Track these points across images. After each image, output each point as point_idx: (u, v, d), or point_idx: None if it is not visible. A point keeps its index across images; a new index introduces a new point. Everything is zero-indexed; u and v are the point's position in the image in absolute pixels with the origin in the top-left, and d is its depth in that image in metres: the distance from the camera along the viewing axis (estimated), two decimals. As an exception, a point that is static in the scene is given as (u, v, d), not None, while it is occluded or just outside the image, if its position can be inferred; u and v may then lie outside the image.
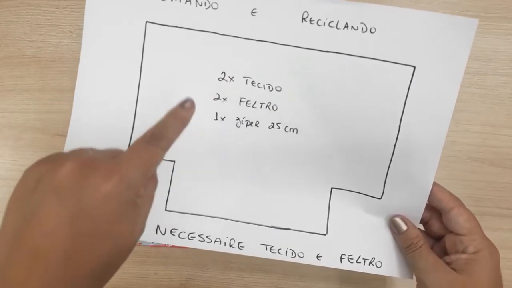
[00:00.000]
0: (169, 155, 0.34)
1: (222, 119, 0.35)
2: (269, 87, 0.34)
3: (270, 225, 0.36)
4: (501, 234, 0.44)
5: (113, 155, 0.26)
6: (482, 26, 0.44)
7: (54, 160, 0.24)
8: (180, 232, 0.36)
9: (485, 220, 0.44)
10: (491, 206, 0.44)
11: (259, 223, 0.36)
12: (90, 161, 0.24)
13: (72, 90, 0.43)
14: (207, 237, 0.36)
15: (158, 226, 0.35)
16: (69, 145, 0.35)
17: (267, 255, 0.36)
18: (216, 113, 0.35)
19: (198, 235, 0.36)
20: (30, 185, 0.24)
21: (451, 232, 0.33)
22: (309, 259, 0.36)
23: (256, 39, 0.33)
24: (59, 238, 0.22)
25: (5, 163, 0.44)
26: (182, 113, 0.27)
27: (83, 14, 0.44)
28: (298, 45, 0.33)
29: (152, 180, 0.27)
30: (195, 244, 0.36)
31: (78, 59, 0.44)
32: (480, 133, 0.44)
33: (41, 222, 0.22)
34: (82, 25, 0.44)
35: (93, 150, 0.27)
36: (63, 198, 0.23)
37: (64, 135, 0.43)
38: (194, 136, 0.35)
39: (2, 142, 0.44)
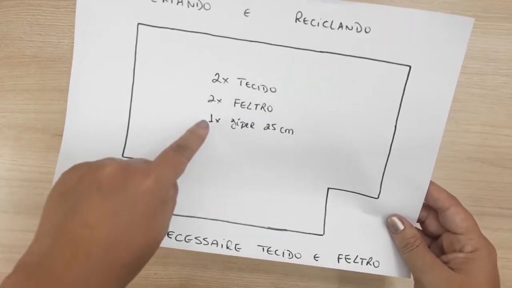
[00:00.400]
0: None
1: (217, 121, 0.35)
2: (263, 88, 0.34)
3: (266, 226, 0.36)
4: (501, 234, 0.44)
5: (145, 161, 0.29)
6: (482, 26, 0.44)
7: (95, 163, 0.27)
8: (177, 235, 0.36)
9: (485, 220, 0.44)
10: (491, 206, 0.44)
11: (255, 225, 0.36)
12: (129, 163, 0.27)
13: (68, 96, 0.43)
14: (204, 239, 0.36)
15: None
16: (66, 146, 0.35)
17: (264, 256, 0.36)
18: (211, 115, 0.35)
19: (195, 238, 0.36)
20: (70, 183, 0.26)
21: (448, 231, 0.33)
22: (306, 260, 0.36)
23: (250, 39, 0.33)
24: (100, 229, 0.24)
25: (5, 163, 0.44)
26: (198, 131, 0.33)
27: (83, 14, 0.44)
28: (292, 46, 0.33)
29: (175, 186, 0.30)
30: (192, 246, 0.36)
31: (78, 59, 0.44)
32: (480, 133, 0.44)
33: (83, 215, 0.25)
34: (82, 25, 0.44)
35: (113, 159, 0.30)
36: (106, 194, 0.25)
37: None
38: None
39: (2, 142, 0.44)
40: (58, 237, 0.24)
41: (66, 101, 0.44)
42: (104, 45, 0.34)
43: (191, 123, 0.34)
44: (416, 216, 0.35)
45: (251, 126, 0.35)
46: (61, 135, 0.44)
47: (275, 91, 0.34)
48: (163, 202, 0.27)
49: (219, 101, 0.34)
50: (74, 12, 0.44)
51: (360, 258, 0.36)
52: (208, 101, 0.34)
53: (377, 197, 0.35)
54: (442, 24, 0.32)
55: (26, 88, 0.44)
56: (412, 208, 0.34)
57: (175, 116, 0.34)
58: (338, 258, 0.36)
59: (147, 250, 0.27)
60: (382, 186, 0.35)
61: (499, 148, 0.44)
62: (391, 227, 0.35)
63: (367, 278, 0.44)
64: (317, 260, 0.36)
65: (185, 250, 0.43)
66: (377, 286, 0.44)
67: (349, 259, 0.36)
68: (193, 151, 0.31)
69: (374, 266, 0.36)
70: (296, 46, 0.33)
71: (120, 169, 0.26)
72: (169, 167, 0.29)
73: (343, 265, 0.36)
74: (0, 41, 0.44)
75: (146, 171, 0.27)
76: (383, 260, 0.36)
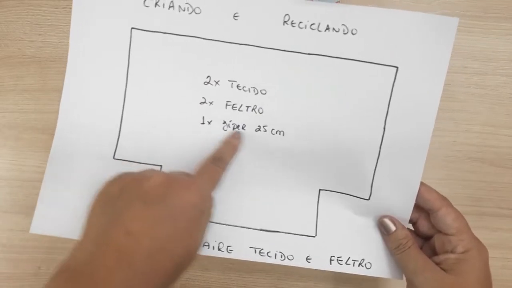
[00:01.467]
0: (156, 159, 0.35)
1: (209, 123, 0.35)
2: (254, 90, 0.34)
3: (259, 228, 0.36)
4: (501, 234, 0.44)
5: (186, 174, 0.31)
6: (482, 26, 0.44)
7: (139, 174, 0.29)
8: None
9: (485, 220, 0.44)
10: (491, 206, 0.44)
11: (247, 226, 0.36)
12: (172, 175, 0.28)
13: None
14: None
15: None
16: (57, 147, 0.35)
17: (256, 258, 0.36)
18: (203, 117, 0.35)
19: None
20: (114, 192, 0.28)
21: (439, 232, 0.33)
22: (299, 262, 0.36)
23: (239, 42, 0.33)
24: (143, 238, 0.25)
25: (5, 163, 0.44)
26: (232, 142, 0.34)
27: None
28: (281, 48, 0.33)
29: (212, 198, 0.31)
30: None
31: (78, 59, 0.44)
32: (480, 133, 0.44)
33: (127, 224, 0.25)
34: (82, 25, 0.44)
35: (156, 171, 0.30)
36: (149, 204, 0.26)
37: (64, 135, 0.43)
38: (181, 140, 0.35)
39: (2, 142, 0.44)
40: (102, 244, 0.25)
41: (66, 101, 0.44)
42: (98, 49, 0.34)
43: (183, 125, 0.35)
44: (408, 217, 0.35)
45: (242, 127, 0.35)
46: (61, 135, 0.44)
47: (265, 93, 0.34)
48: (203, 213, 0.28)
49: (210, 103, 0.35)
50: (74, 12, 0.44)
51: (352, 260, 0.36)
52: (200, 103, 0.35)
53: (368, 198, 0.35)
54: (428, 25, 0.32)
55: (26, 88, 0.44)
56: (403, 209, 0.34)
57: (167, 118, 0.35)
58: (330, 260, 0.36)
59: (187, 259, 0.27)
60: (373, 187, 0.35)
61: (499, 148, 0.44)
62: (382, 228, 0.35)
63: (367, 277, 0.43)
64: (309, 262, 0.36)
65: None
66: (377, 286, 0.44)
67: (341, 260, 0.36)
68: (228, 162, 0.33)
69: (366, 268, 0.36)
70: (284, 49, 0.33)
71: (164, 181, 0.27)
72: (208, 179, 0.31)
73: (335, 267, 0.36)
74: (0, 41, 0.44)
75: (188, 183, 0.28)
76: (375, 261, 0.36)
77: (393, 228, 0.34)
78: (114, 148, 0.35)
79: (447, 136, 0.44)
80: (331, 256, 0.36)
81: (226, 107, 0.35)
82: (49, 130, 0.44)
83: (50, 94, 0.44)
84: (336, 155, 0.35)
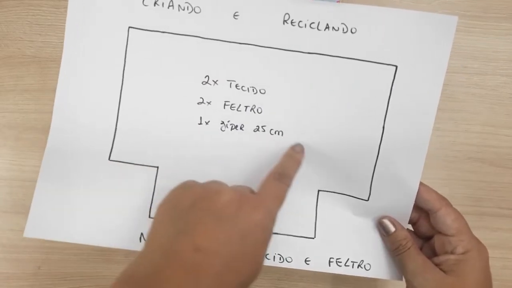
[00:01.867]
0: (152, 161, 0.35)
1: (207, 123, 0.35)
2: (253, 89, 0.34)
3: None
4: (501, 234, 0.44)
5: (252, 190, 0.31)
6: (482, 26, 0.44)
7: (210, 187, 0.29)
8: None
9: (485, 220, 0.44)
10: (491, 206, 0.44)
11: None
12: (242, 194, 0.28)
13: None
14: None
15: (142, 234, 0.35)
16: (52, 145, 0.34)
17: None
18: (200, 117, 0.34)
19: None
20: (186, 204, 0.27)
21: (439, 232, 0.33)
22: (297, 264, 0.35)
23: (239, 42, 0.33)
24: (213, 255, 0.25)
25: (5, 163, 0.44)
26: (295, 156, 0.33)
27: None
28: (280, 47, 0.33)
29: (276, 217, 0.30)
30: None
31: (78, 59, 0.44)
32: (480, 133, 0.44)
33: (197, 239, 0.25)
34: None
35: (230, 185, 0.30)
36: (222, 221, 0.26)
37: (64, 135, 0.43)
38: (179, 141, 0.35)
39: (2, 142, 0.44)
40: (169, 257, 0.25)
41: (66, 101, 0.44)
42: (94, 47, 0.34)
43: (180, 126, 0.34)
44: (407, 218, 0.34)
45: (241, 128, 0.35)
46: (61, 135, 0.44)
47: (264, 93, 0.34)
48: (270, 233, 0.28)
49: (208, 103, 0.34)
50: (74, 12, 0.44)
51: (351, 261, 0.36)
52: (198, 103, 0.34)
53: (367, 199, 0.35)
54: (427, 24, 0.32)
55: (26, 88, 0.44)
56: (403, 209, 0.34)
57: (164, 118, 0.34)
58: (329, 262, 0.36)
59: (252, 278, 0.27)
60: (372, 188, 0.35)
61: (499, 148, 0.44)
62: (382, 229, 0.35)
63: (367, 278, 0.43)
64: (308, 264, 0.36)
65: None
66: (377, 286, 0.44)
67: (340, 262, 0.36)
68: (291, 176, 0.32)
69: (365, 269, 0.36)
70: (284, 48, 0.33)
71: (234, 198, 0.27)
72: (275, 198, 0.30)
73: (334, 269, 0.36)
74: (0, 41, 0.44)
75: (258, 203, 0.28)
76: (374, 263, 0.35)
77: (392, 229, 0.34)
78: (110, 149, 0.34)
79: (447, 136, 0.44)
80: (330, 258, 0.36)
81: (224, 107, 0.34)
82: (49, 130, 0.44)
83: (50, 94, 0.44)
84: (335, 155, 0.35)
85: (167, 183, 0.34)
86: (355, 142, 0.34)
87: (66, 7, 0.44)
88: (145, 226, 0.35)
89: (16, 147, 0.44)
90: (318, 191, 0.36)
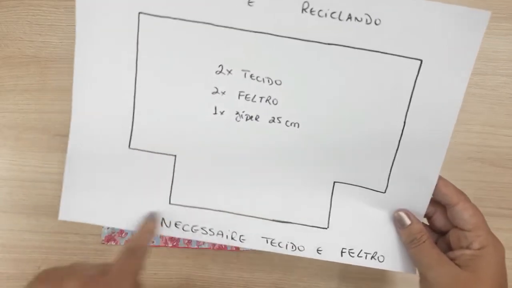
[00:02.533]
0: (170, 149, 0.35)
1: (221, 113, 0.34)
2: (268, 80, 0.33)
3: (271, 219, 0.36)
4: (502, 234, 0.44)
5: (104, 270, 0.30)
6: (482, 26, 0.44)
7: (55, 280, 0.28)
8: (184, 225, 0.36)
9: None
10: (492, 206, 0.44)
11: (260, 217, 0.36)
12: (91, 279, 0.28)
13: (72, 90, 0.43)
14: (209, 230, 0.36)
15: (163, 219, 0.36)
16: (73, 142, 0.35)
17: (268, 248, 0.36)
18: (215, 107, 0.34)
19: (201, 228, 0.36)
20: None
21: (455, 227, 0.33)
22: (309, 253, 0.36)
23: (254, 30, 0.32)
24: None
25: (5, 163, 0.44)
26: (147, 225, 0.34)
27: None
28: (298, 37, 0.32)
29: (138, 286, 0.31)
30: (198, 236, 0.36)
31: (78, 59, 0.44)
32: (480, 133, 0.44)
33: None
34: (82, 25, 0.44)
35: (82, 265, 0.31)
36: None
37: (64, 135, 0.43)
38: (194, 131, 0.34)
39: (2, 142, 0.44)
40: None
41: (66, 101, 0.44)
42: (106, 35, 0.33)
43: (196, 115, 0.34)
44: (424, 212, 0.34)
45: (256, 119, 0.34)
46: (61, 135, 0.44)
47: (280, 84, 0.33)
48: None
49: (223, 93, 0.34)
50: (74, 12, 0.44)
51: (364, 253, 0.36)
52: (212, 93, 0.34)
53: (384, 191, 0.35)
54: (456, 17, 0.30)
55: (26, 88, 0.44)
56: (419, 203, 0.34)
57: (180, 108, 0.34)
58: (342, 252, 0.36)
59: None
60: (389, 181, 0.34)
61: (499, 148, 0.44)
62: (397, 222, 0.34)
63: (368, 278, 0.44)
64: (320, 253, 0.36)
65: (185, 250, 0.43)
66: (377, 286, 0.44)
67: (353, 253, 0.36)
68: (145, 249, 0.33)
69: (379, 261, 0.35)
70: (302, 38, 0.32)
71: (82, 285, 0.27)
72: (128, 275, 0.30)
73: (346, 259, 0.35)
74: (0, 41, 0.44)
75: (108, 285, 0.28)
76: (388, 255, 0.35)
77: (408, 221, 0.34)
78: (129, 137, 0.35)
79: (447, 136, 0.44)
80: (343, 248, 0.36)
81: (239, 98, 0.34)
82: (49, 130, 0.44)
83: (50, 94, 0.44)
84: (353, 148, 0.34)
85: (185, 171, 0.35)
86: (374, 135, 0.34)
87: (66, 7, 0.44)
88: (165, 212, 0.36)
89: (16, 147, 0.44)
90: (334, 182, 0.36)
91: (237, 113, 0.34)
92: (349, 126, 0.34)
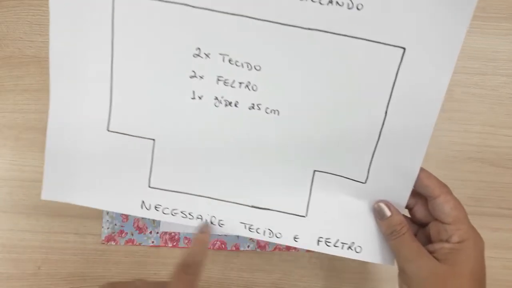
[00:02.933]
0: (148, 133, 0.34)
1: (200, 98, 0.33)
2: (247, 65, 0.32)
3: (250, 205, 0.36)
4: (501, 234, 0.44)
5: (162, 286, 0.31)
6: (482, 26, 0.44)
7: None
8: (164, 208, 0.36)
9: (485, 220, 0.44)
10: (491, 206, 0.44)
11: (240, 202, 0.36)
12: None
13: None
14: (189, 213, 0.36)
15: (143, 201, 0.36)
16: (52, 124, 0.34)
17: (246, 233, 0.36)
18: (193, 92, 0.33)
19: (181, 212, 0.36)
20: None
21: (436, 219, 0.32)
22: (286, 240, 0.35)
23: (231, 12, 0.31)
24: None
25: (5, 163, 0.44)
26: (202, 237, 0.34)
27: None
28: (278, 21, 0.31)
29: None
30: (178, 219, 0.36)
31: (78, 59, 0.44)
32: (480, 133, 0.44)
33: None
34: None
35: (143, 281, 0.31)
36: None
37: (64, 135, 0.43)
38: (173, 115, 0.34)
39: (2, 142, 0.44)
40: None
41: (66, 101, 0.44)
42: (81, 17, 0.32)
43: (174, 99, 0.34)
44: (404, 203, 0.34)
45: (235, 105, 0.33)
46: (61, 135, 0.44)
47: (259, 69, 0.33)
48: None
49: (201, 77, 0.33)
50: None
51: (341, 243, 0.35)
52: (190, 77, 0.33)
53: (364, 181, 0.34)
54: (442, 5, 0.30)
55: (26, 88, 0.44)
56: (400, 194, 0.33)
57: (158, 91, 0.33)
58: (318, 241, 0.35)
59: None
60: (370, 171, 0.34)
61: (499, 148, 0.44)
62: (377, 213, 0.34)
63: (368, 278, 0.44)
64: (296, 241, 0.35)
65: (185, 250, 0.43)
66: (376, 286, 0.44)
67: (329, 242, 0.35)
68: (201, 264, 0.32)
69: (356, 252, 0.35)
70: (282, 22, 0.31)
71: None
72: None
73: (322, 248, 0.35)
74: (0, 41, 0.44)
75: None
76: (366, 246, 0.35)
77: (388, 213, 0.33)
78: (107, 120, 0.34)
79: (447, 136, 0.44)
80: (319, 237, 0.35)
81: (217, 82, 0.33)
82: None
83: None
84: (334, 136, 0.34)
85: (164, 155, 0.35)
86: (356, 124, 0.33)
87: (66, 7, 0.44)
88: (145, 195, 0.36)
89: (16, 147, 0.44)
90: (314, 171, 0.35)
91: (216, 98, 0.33)
92: (329, 115, 0.33)
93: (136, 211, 0.36)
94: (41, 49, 0.44)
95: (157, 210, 0.36)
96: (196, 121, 0.34)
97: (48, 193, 0.36)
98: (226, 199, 0.36)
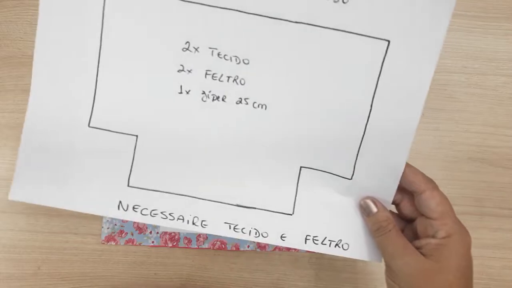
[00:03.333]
0: (132, 129, 0.34)
1: (187, 93, 0.33)
2: (236, 59, 0.32)
3: (235, 204, 0.35)
4: (501, 234, 0.44)
5: None
6: (482, 26, 0.44)
7: None
8: (143, 209, 0.35)
9: (485, 220, 0.44)
10: (492, 206, 0.44)
11: (223, 201, 0.35)
12: None
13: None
14: (169, 214, 0.35)
15: (120, 202, 0.35)
16: (31, 118, 0.34)
17: (230, 234, 0.35)
18: (181, 86, 0.33)
19: (161, 212, 0.35)
20: None
21: (422, 215, 0.32)
22: (272, 239, 0.35)
23: (221, 6, 0.31)
24: None
25: (5, 163, 0.44)
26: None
27: (83, 14, 0.44)
28: (265, 15, 0.31)
29: None
30: (158, 221, 0.35)
31: (78, 59, 0.44)
32: (480, 133, 0.44)
33: None
34: (82, 25, 0.44)
35: None
36: None
37: (64, 135, 0.43)
38: (158, 110, 0.33)
39: (2, 142, 0.44)
40: None
41: (66, 101, 0.44)
42: (70, 8, 0.32)
43: (160, 94, 0.33)
44: (391, 199, 0.33)
45: (222, 99, 0.33)
46: (61, 135, 0.44)
47: (248, 63, 0.33)
48: None
49: (189, 71, 0.33)
50: (74, 12, 0.44)
51: (328, 240, 0.35)
52: (178, 71, 0.33)
53: (350, 178, 0.34)
54: None
55: (26, 88, 0.44)
56: (386, 190, 0.33)
57: (144, 86, 0.33)
58: (306, 239, 0.35)
59: None
60: (355, 167, 0.34)
61: (499, 148, 0.44)
62: (363, 210, 0.34)
63: (367, 278, 0.44)
64: (283, 240, 0.35)
65: (185, 250, 0.43)
66: (376, 286, 0.44)
67: (317, 240, 0.35)
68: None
69: (343, 249, 0.35)
70: (269, 15, 0.31)
71: None
72: None
73: (309, 246, 0.35)
74: (0, 41, 0.44)
75: None
76: (353, 243, 0.35)
77: (374, 209, 0.33)
78: (89, 115, 0.34)
79: (447, 136, 0.44)
80: (307, 235, 0.35)
81: (205, 76, 0.33)
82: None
83: (50, 94, 0.44)
84: (320, 132, 0.33)
85: (146, 153, 0.34)
86: (341, 119, 0.33)
87: (66, 7, 0.44)
88: (123, 194, 0.34)
89: (16, 147, 0.44)
90: (301, 167, 0.35)
91: (203, 92, 0.33)
92: (314, 110, 0.33)
93: (112, 212, 0.35)
94: (41, 49, 0.44)
95: (135, 211, 0.35)
96: (182, 116, 0.34)
97: (17, 193, 0.35)
98: (210, 198, 0.35)
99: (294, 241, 0.35)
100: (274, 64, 0.33)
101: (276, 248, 0.43)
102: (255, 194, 0.35)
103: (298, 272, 0.44)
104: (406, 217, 0.34)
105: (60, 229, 0.43)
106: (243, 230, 0.35)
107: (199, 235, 0.43)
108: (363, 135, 0.33)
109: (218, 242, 0.43)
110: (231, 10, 0.32)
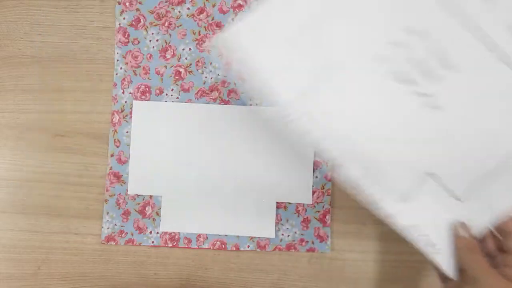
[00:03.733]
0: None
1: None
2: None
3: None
4: (501, 234, 0.44)
5: None
6: (482, 26, 0.44)
7: None
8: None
9: (485, 220, 0.44)
10: (491, 206, 0.44)
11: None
12: None
13: (72, 90, 0.44)
14: None
15: None
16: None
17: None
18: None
19: None
20: None
21: (505, 252, 0.33)
22: None
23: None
24: None
25: (5, 163, 0.44)
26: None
27: (83, 14, 0.44)
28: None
29: None
30: None
31: (78, 59, 0.44)
32: (480, 133, 0.44)
33: None
34: (82, 25, 0.44)
35: None
36: None
37: (63, 135, 0.43)
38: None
39: (2, 142, 0.44)
40: None
41: (66, 101, 0.44)
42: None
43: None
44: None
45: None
46: (61, 135, 0.44)
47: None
48: None
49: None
50: (74, 12, 0.44)
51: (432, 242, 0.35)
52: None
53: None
54: None
55: (26, 88, 0.44)
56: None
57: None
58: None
59: None
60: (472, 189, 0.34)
61: (499, 148, 0.44)
62: (454, 230, 0.34)
63: (367, 278, 0.44)
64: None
65: (185, 250, 0.43)
66: (377, 285, 0.44)
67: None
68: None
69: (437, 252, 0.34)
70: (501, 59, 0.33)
71: None
72: None
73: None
74: (0, 41, 0.44)
75: None
76: (443, 250, 0.34)
77: (462, 232, 0.34)
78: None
79: (447, 136, 0.44)
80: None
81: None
82: (49, 130, 0.44)
83: (50, 94, 0.44)
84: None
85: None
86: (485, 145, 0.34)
87: (66, 7, 0.44)
88: None
89: (16, 147, 0.44)
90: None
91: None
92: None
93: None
94: (41, 49, 0.44)
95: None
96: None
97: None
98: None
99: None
100: (470, 86, 0.33)
101: (276, 248, 0.43)
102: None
103: (298, 272, 0.44)
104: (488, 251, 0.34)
105: (60, 229, 0.43)
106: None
107: (199, 235, 0.43)
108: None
109: (218, 242, 0.43)
110: None
